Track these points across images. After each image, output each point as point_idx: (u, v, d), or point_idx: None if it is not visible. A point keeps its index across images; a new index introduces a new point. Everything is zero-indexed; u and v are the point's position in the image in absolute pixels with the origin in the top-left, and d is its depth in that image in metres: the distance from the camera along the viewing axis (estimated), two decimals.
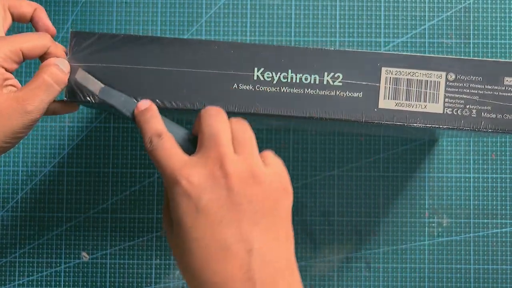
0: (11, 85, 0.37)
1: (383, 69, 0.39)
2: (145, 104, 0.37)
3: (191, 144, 0.36)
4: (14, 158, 0.55)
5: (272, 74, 0.39)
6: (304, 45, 0.55)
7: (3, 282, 0.54)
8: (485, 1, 0.55)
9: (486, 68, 0.39)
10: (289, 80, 0.39)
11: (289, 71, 0.39)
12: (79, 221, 0.54)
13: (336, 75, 0.39)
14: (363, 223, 0.54)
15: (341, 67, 0.39)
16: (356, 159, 0.54)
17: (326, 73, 0.39)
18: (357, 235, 0.54)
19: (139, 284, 0.54)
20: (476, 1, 0.55)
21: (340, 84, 0.39)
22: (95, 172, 0.55)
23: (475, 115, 0.39)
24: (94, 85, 0.39)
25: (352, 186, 0.54)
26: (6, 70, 0.36)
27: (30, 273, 0.54)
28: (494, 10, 0.55)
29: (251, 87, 0.39)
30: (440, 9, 0.55)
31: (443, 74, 0.39)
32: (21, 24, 0.54)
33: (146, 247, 0.54)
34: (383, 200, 0.54)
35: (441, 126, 0.39)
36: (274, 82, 0.39)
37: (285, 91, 0.39)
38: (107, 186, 0.55)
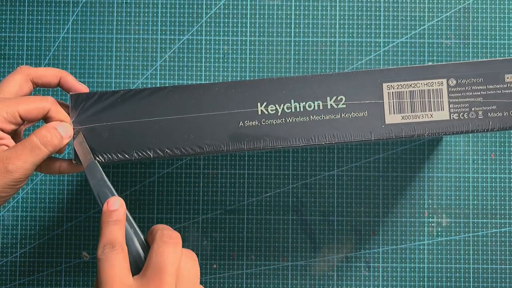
0: (4, 144, 0.37)
1: (384, 85, 0.39)
2: (114, 204, 0.36)
3: (144, 256, 0.35)
4: None
5: (275, 106, 0.39)
6: (304, 47, 0.55)
7: (3, 282, 0.54)
8: (484, 1, 0.55)
9: (485, 69, 0.39)
10: (293, 110, 0.39)
11: (292, 101, 0.39)
12: (79, 221, 0.54)
13: (339, 98, 0.39)
14: (363, 223, 0.54)
15: (342, 90, 0.39)
16: (356, 159, 0.54)
17: (328, 98, 0.39)
18: (357, 235, 0.54)
19: None
20: (475, 1, 0.55)
21: (344, 106, 0.39)
22: None
23: (481, 116, 0.39)
24: (85, 157, 0.39)
25: (352, 186, 0.54)
26: (3, 130, 0.37)
27: (30, 273, 0.54)
28: (493, 10, 0.55)
29: (257, 123, 0.39)
30: (439, 9, 0.55)
31: (444, 80, 0.39)
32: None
33: None
34: (383, 200, 0.54)
35: (450, 132, 0.39)
36: (279, 114, 0.39)
37: (290, 121, 0.39)
38: None
